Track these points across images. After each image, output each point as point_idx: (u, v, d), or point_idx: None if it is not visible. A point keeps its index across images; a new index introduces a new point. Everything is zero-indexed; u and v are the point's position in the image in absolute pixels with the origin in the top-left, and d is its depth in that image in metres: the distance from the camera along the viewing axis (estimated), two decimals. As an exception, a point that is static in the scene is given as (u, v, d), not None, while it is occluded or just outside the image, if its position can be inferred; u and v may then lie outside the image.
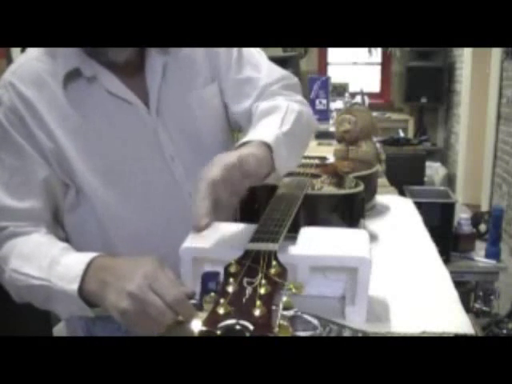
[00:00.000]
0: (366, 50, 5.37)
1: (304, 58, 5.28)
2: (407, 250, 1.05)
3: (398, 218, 1.24)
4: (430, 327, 0.73)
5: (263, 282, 0.58)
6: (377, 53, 5.50)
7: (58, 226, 0.92)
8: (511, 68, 3.67)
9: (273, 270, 0.61)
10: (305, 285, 0.61)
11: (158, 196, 0.92)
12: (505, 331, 1.95)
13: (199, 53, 0.96)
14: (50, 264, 0.77)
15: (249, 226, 0.80)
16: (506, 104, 3.75)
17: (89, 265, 0.74)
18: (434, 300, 0.84)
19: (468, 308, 2.23)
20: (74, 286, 0.73)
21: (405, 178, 2.88)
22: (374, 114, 3.83)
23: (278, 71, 1.01)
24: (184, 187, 0.93)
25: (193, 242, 0.77)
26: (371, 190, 1.24)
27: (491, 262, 2.25)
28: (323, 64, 5.60)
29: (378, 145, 1.68)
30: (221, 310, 0.54)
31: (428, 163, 4.39)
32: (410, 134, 5.19)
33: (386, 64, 5.56)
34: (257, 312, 0.53)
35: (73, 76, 0.87)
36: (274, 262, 0.62)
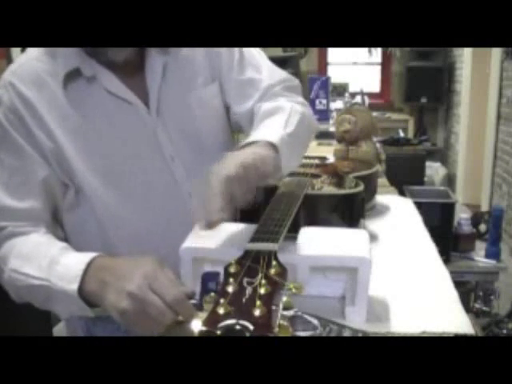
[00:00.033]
0: (366, 50, 5.37)
1: (304, 58, 5.29)
2: (407, 250, 1.05)
3: (398, 218, 1.24)
4: (430, 327, 0.73)
5: (263, 281, 0.58)
6: (377, 53, 5.50)
7: (58, 225, 0.92)
8: (511, 68, 3.67)
9: (273, 270, 0.61)
10: (305, 285, 0.61)
11: (157, 196, 0.92)
12: (505, 331, 1.95)
13: (199, 53, 0.96)
14: (50, 264, 0.77)
15: (249, 226, 0.80)
16: (506, 104, 3.75)
17: (89, 265, 0.74)
18: (434, 300, 0.84)
19: (468, 308, 2.23)
20: (73, 286, 0.73)
21: (405, 177, 2.88)
22: (374, 114, 3.83)
23: (280, 73, 1.02)
24: (184, 187, 0.93)
25: (193, 241, 0.77)
26: (371, 189, 1.24)
27: (491, 262, 2.25)
28: (323, 64, 5.60)
29: (378, 145, 1.68)
30: (221, 310, 0.54)
31: (428, 163, 4.39)
32: (410, 134, 5.19)
33: (386, 64, 5.56)
34: (257, 312, 0.53)
35: (73, 76, 0.87)
36: (274, 262, 0.62)
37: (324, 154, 1.37)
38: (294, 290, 0.59)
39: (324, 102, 3.67)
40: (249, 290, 0.57)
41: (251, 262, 0.62)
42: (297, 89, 1.03)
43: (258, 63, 1.00)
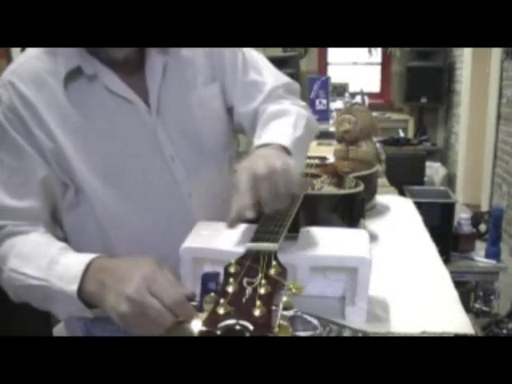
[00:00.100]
0: (366, 49, 5.37)
1: (304, 58, 5.29)
2: (407, 250, 1.05)
3: (398, 218, 1.24)
4: (430, 327, 0.73)
5: (263, 282, 0.58)
6: (377, 53, 5.49)
7: (57, 225, 0.92)
8: (511, 68, 3.67)
9: (273, 270, 0.61)
10: (305, 285, 0.61)
11: (157, 196, 0.92)
12: (505, 331, 1.95)
13: (199, 53, 0.96)
14: (49, 264, 0.77)
15: (249, 226, 0.80)
16: (506, 104, 3.75)
17: (88, 265, 0.73)
18: (434, 300, 0.84)
19: (468, 308, 2.23)
20: (73, 287, 0.73)
21: (405, 178, 2.88)
22: (374, 114, 3.83)
23: (281, 75, 1.04)
24: (184, 187, 0.93)
25: (193, 241, 0.77)
26: (371, 190, 1.24)
27: (491, 262, 2.25)
28: (323, 64, 5.60)
29: (378, 145, 1.68)
30: (221, 310, 0.54)
31: (428, 163, 4.38)
32: (410, 134, 5.19)
33: (386, 64, 5.56)
34: (257, 312, 0.53)
35: (73, 75, 0.87)
36: (274, 262, 0.62)
37: (324, 154, 1.37)
38: (293, 290, 0.59)
39: (324, 102, 3.67)
40: (249, 290, 0.57)
41: (251, 262, 0.62)
42: (297, 92, 1.05)
43: (259, 65, 1.01)
